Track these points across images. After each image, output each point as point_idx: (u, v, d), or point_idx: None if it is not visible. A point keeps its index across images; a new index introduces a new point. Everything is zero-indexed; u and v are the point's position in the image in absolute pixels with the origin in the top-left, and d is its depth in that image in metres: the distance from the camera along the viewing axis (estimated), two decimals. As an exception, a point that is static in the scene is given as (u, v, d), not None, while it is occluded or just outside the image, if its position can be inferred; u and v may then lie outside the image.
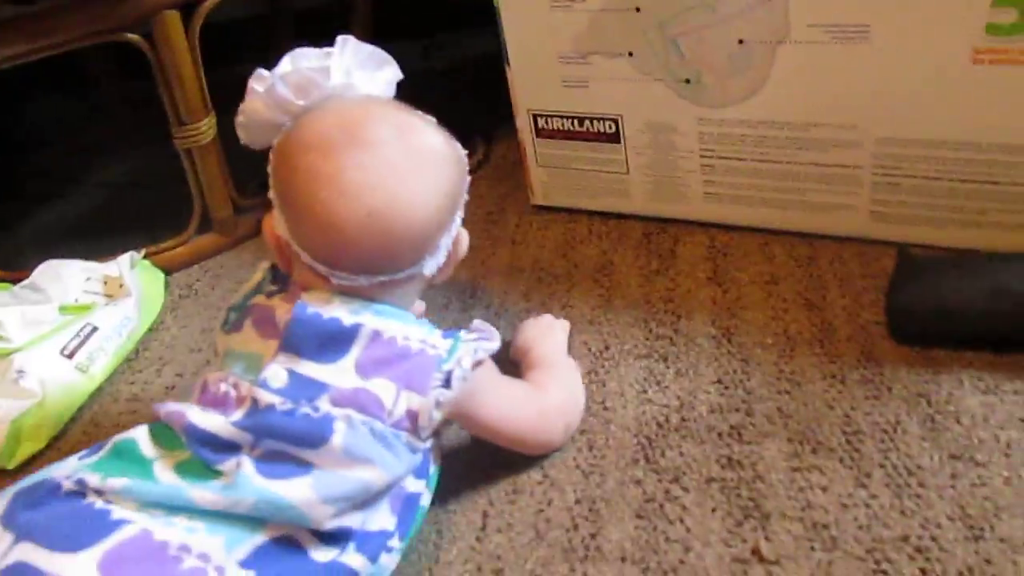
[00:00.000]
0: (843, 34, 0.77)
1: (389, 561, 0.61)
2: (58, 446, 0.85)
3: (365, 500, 0.58)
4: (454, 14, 1.48)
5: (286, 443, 0.57)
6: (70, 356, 0.89)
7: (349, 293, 0.62)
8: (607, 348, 0.82)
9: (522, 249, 0.98)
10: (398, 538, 0.61)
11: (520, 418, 0.69)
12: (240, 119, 0.67)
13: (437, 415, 0.61)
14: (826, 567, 0.59)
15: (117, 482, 0.54)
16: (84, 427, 0.86)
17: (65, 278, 0.97)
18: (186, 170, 1.04)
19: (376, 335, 0.60)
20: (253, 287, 0.68)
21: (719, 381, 0.76)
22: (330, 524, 0.56)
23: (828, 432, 0.69)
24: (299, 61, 0.65)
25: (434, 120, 0.67)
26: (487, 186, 1.11)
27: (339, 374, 0.59)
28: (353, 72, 0.65)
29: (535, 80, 0.95)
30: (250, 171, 1.14)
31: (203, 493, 0.54)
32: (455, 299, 0.91)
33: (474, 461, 0.72)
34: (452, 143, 0.66)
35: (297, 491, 0.55)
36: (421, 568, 0.65)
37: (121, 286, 0.98)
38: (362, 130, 0.62)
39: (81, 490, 0.55)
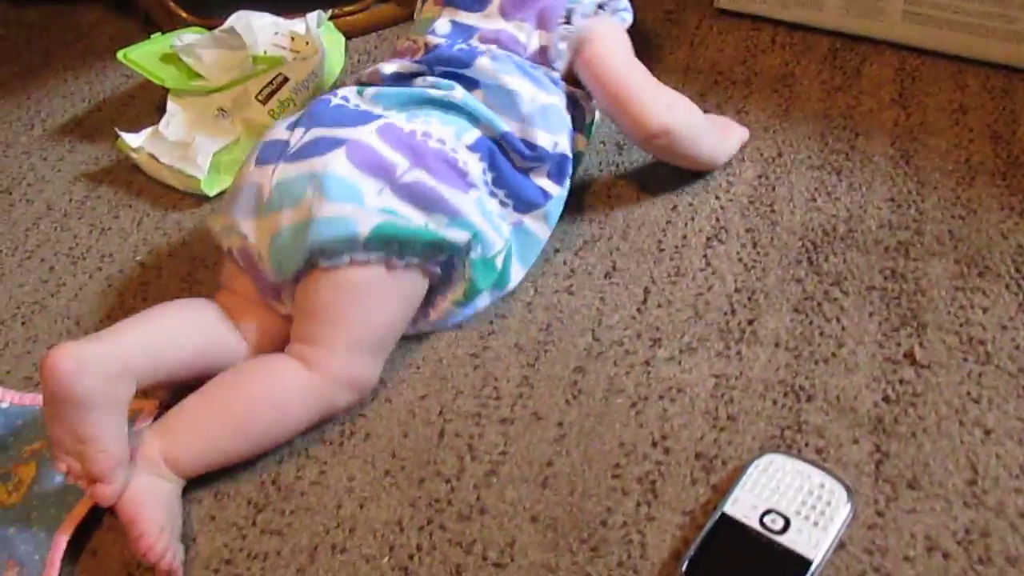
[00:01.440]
0: None
1: (559, 196, 0.75)
2: (249, 184, 0.93)
3: (531, 113, 0.72)
4: None
5: (450, 66, 0.73)
6: (263, 102, 0.95)
7: None
8: (780, 155, 0.83)
9: (701, 51, 0.98)
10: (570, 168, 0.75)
11: (627, 80, 0.76)
12: None
13: (562, 47, 0.74)
14: (976, 377, 0.62)
15: (370, 91, 0.73)
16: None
17: (256, 29, 1.02)
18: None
19: None
20: None
21: (892, 199, 0.76)
22: (505, 127, 0.71)
23: (998, 259, 0.70)
24: None
25: None
26: (668, -16, 1.09)
27: (486, 18, 0.75)
28: None
29: None
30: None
31: (434, 90, 0.71)
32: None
33: (640, 243, 0.76)
34: None
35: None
36: (584, 328, 0.70)
37: (308, 43, 1.03)
38: None
39: (344, 102, 0.72)
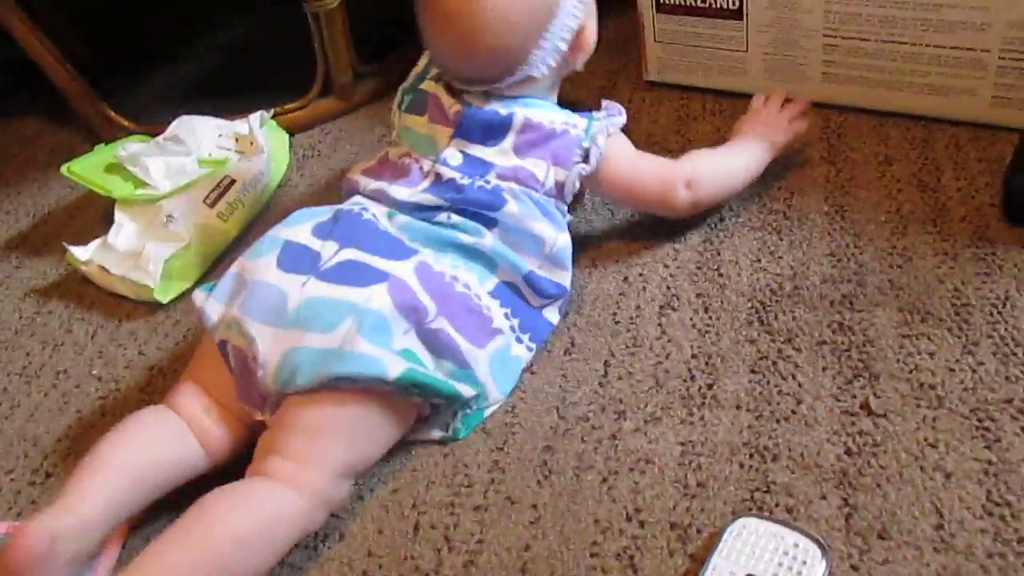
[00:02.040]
0: (987, -88, 0.77)
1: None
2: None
3: (550, 255, 0.75)
4: None
5: (478, 208, 0.74)
6: (211, 205, 0.96)
7: (494, 96, 0.77)
8: (722, 220, 0.86)
9: (635, 124, 1.00)
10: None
11: (643, 186, 0.81)
12: None
13: (577, 184, 0.77)
14: (931, 422, 0.64)
15: (400, 219, 0.74)
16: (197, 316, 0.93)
17: (199, 132, 1.03)
18: (313, 34, 1.08)
19: (527, 120, 0.76)
20: (420, 71, 0.83)
21: (832, 254, 0.79)
22: (529, 267, 0.74)
23: (938, 304, 0.73)
24: None
25: None
26: (598, 60, 1.11)
27: (501, 155, 0.76)
28: None
29: (661, -47, 0.96)
30: (366, 39, 1.18)
31: (464, 235, 0.73)
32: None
33: (595, 318, 0.78)
34: None
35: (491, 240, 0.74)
36: (549, 407, 0.71)
37: (252, 143, 1.04)
38: None
39: (375, 221, 0.73)
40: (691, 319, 0.76)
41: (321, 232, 0.71)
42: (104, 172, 0.98)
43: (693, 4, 0.97)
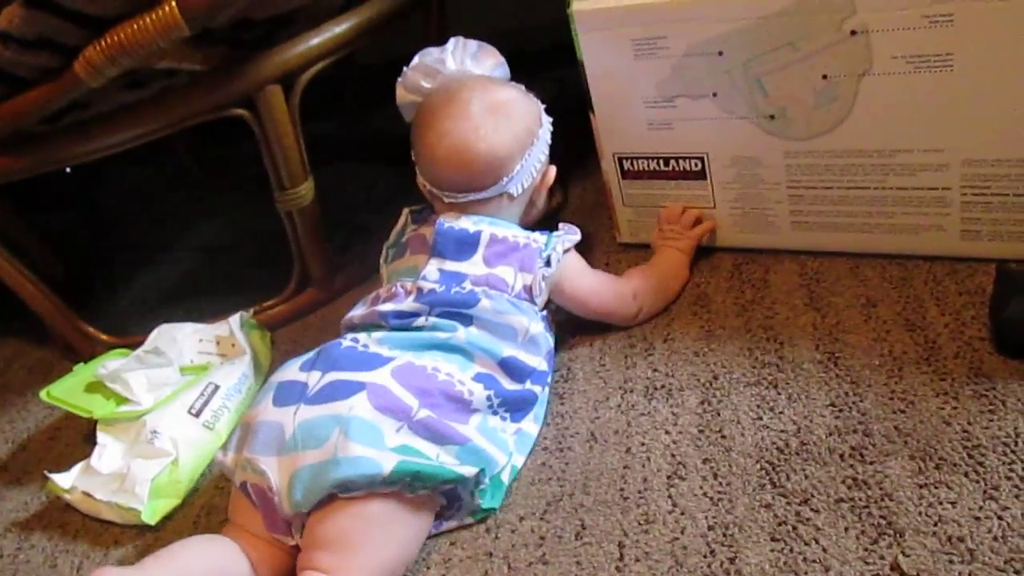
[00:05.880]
0: (926, 64, 0.81)
1: (544, 393, 0.87)
2: (191, 501, 0.89)
3: (523, 342, 0.84)
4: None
5: (452, 307, 0.83)
6: (197, 414, 0.94)
7: (469, 212, 0.89)
8: (716, 378, 0.85)
9: (615, 286, 1.02)
10: (550, 374, 0.88)
11: (600, 296, 0.93)
12: (398, 101, 0.95)
13: (543, 286, 0.86)
14: (968, 579, 0.61)
15: (377, 334, 0.82)
16: (216, 481, 0.91)
17: (180, 340, 1.02)
18: (288, 231, 1.09)
19: (494, 236, 0.87)
20: (400, 229, 0.94)
21: (832, 404, 0.78)
22: (508, 354, 0.83)
23: (949, 448, 0.71)
24: (424, 57, 0.93)
25: (521, 87, 0.94)
26: (571, 223, 1.14)
27: (473, 266, 0.85)
28: (466, 61, 0.93)
29: (620, 125, 0.99)
30: (339, 228, 1.20)
31: (440, 333, 0.82)
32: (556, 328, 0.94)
33: (602, 495, 0.75)
34: (527, 98, 0.93)
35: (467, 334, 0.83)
36: (567, 600, 0.67)
37: (233, 345, 1.03)
38: (456, 92, 0.90)
39: (355, 344, 0.81)
40: (701, 487, 0.74)
41: (306, 366, 0.80)
42: (84, 392, 0.97)
43: (657, 168, 1.00)
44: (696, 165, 0.97)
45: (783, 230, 0.97)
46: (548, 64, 1.04)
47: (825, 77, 0.85)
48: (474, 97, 0.89)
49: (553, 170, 0.96)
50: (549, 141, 0.94)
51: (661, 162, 0.99)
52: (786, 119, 0.90)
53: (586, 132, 1.02)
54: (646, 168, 1.01)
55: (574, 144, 0.99)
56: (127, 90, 0.94)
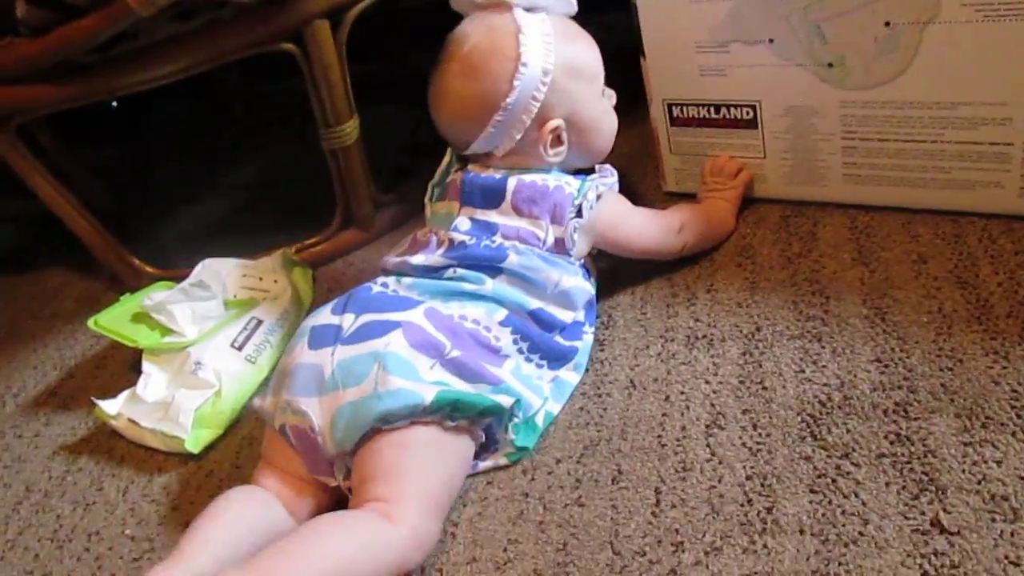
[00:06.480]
0: (995, 12, 0.78)
1: (586, 342, 0.86)
2: (233, 431, 0.91)
3: (553, 294, 0.83)
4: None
5: (478, 262, 0.82)
6: (239, 348, 0.95)
7: (493, 164, 0.87)
8: (759, 329, 0.84)
9: (659, 235, 1.00)
10: (588, 325, 0.87)
11: (644, 237, 0.91)
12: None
13: (575, 238, 0.85)
14: (1009, 537, 0.61)
15: (409, 280, 0.83)
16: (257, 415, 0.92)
17: (224, 275, 1.03)
18: (331, 169, 1.09)
19: (520, 181, 0.85)
20: (444, 168, 0.92)
21: (877, 360, 0.77)
22: (535, 306, 0.82)
23: (996, 407, 0.70)
24: None
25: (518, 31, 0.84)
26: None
27: (503, 215, 0.84)
28: None
29: (671, 70, 0.97)
30: (383, 168, 1.19)
31: (466, 283, 0.81)
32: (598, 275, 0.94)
33: (640, 442, 0.75)
34: (514, 45, 0.83)
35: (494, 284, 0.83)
36: (603, 541, 0.68)
37: (276, 281, 1.04)
38: (460, 42, 0.85)
39: (384, 289, 0.82)
40: (740, 437, 0.74)
41: (338, 309, 0.80)
42: (130, 322, 0.98)
43: (707, 116, 0.98)
44: (748, 113, 0.95)
45: (834, 183, 0.95)
46: (599, 6, 1.01)
47: (888, 24, 0.82)
48: (461, 50, 0.85)
49: (579, 116, 0.87)
50: (559, 84, 0.85)
51: (712, 109, 0.97)
52: (844, 68, 0.87)
53: (635, 77, 1.00)
54: (696, 115, 0.99)
55: (621, 91, 0.97)
56: (176, 21, 0.94)
